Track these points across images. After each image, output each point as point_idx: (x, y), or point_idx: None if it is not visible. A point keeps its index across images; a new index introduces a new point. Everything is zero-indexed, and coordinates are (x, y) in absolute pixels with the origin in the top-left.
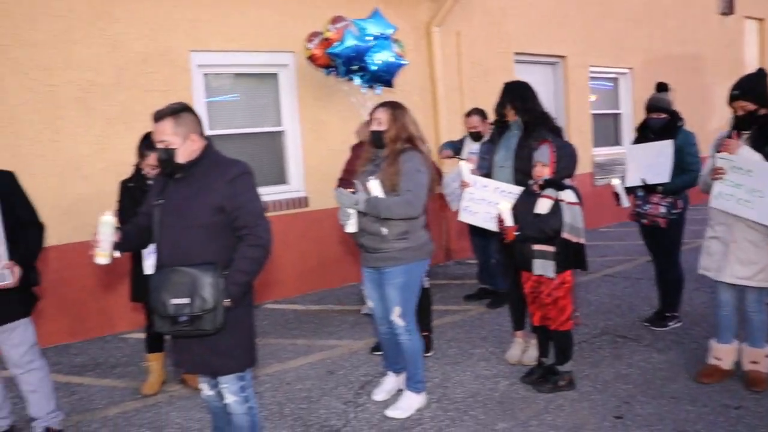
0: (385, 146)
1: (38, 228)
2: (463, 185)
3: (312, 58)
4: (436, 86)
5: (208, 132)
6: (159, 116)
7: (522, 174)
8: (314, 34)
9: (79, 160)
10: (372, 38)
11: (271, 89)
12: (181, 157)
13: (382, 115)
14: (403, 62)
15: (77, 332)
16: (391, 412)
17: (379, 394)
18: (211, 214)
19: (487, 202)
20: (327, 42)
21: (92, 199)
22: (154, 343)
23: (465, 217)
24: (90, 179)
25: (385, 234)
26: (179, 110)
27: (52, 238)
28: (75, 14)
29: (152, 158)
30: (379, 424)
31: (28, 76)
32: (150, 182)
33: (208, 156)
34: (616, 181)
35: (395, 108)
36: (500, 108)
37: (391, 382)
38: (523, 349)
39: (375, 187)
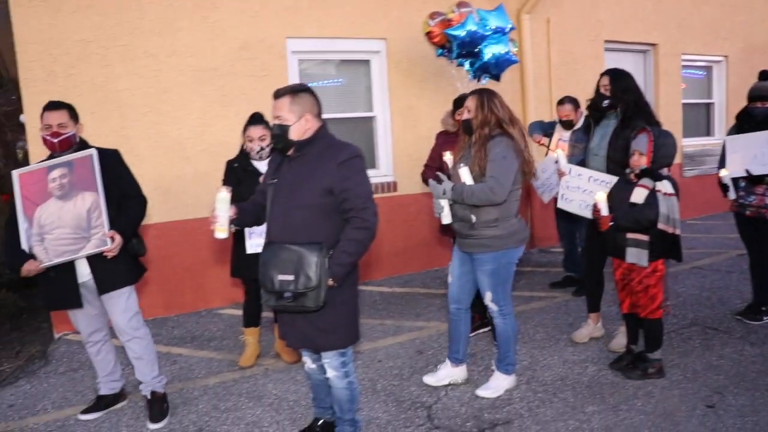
0: (474, 133)
1: (140, 200)
2: (560, 174)
3: (429, 35)
4: (525, 75)
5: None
6: (279, 94)
7: (614, 163)
8: (437, 13)
9: (181, 141)
10: (491, 30)
11: (363, 75)
12: (294, 134)
13: (471, 103)
14: (514, 59)
15: (174, 306)
16: (481, 392)
17: (429, 379)
18: (320, 196)
19: (581, 190)
20: (448, 22)
21: (192, 179)
22: (251, 318)
23: (563, 205)
24: (190, 160)
25: (474, 221)
26: (298, 90)
27: (153, 216)
28: (179, 3)
29: (254, 131)
30: (469, 402)
31: (135, 62)
32: (255, 161)
33: (322, 138)
34: (724, 173)
35: (483, 94)
36: (601, 96)
37: (445, 369)
38: (592, 330)
39: (465, 174)
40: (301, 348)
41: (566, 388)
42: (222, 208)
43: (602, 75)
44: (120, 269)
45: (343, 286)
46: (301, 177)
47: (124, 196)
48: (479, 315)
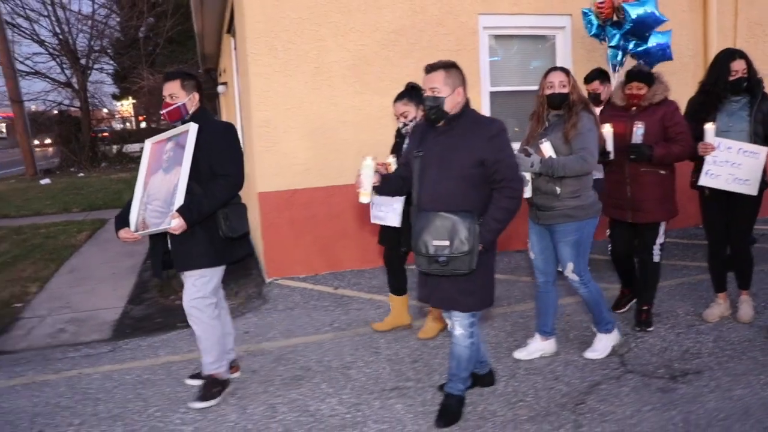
0: (562, 107)
1: (226, 180)
2: (705, 149)
3: (600, 5)
4: (709, 49)
5: (489, 89)
6: (433, 67)
7: (759, 137)
8: None
9: (380, 110)
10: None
11: (548, 51)
12: (448, 106)
13: (565, 78)
14: (669, 55)
15: (368, 261)
16: (589, 354)
17: (520, 353)
18: (471, 167)
19: (731, 164)
20: None
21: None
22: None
23: (707, 181)
24: (389, 128)
25: (558, 192)
26: (450, 65)
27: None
28: None
29: (397, 108)
30: (659, 354)
31: (344, 37)
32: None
33: (468, 113)
34: None
35: (569, 73)
36: (740, 80)
37: (536, 343)
38: (723, 311)
39: (548, 148)
40: (442, 308)
41: (754, 349)
42: (366, 174)
43: (736, 59)
44: (193, 251)
45: (487, 251)
46: (451, 149)
47: (214, 174)
48: (629, 289)
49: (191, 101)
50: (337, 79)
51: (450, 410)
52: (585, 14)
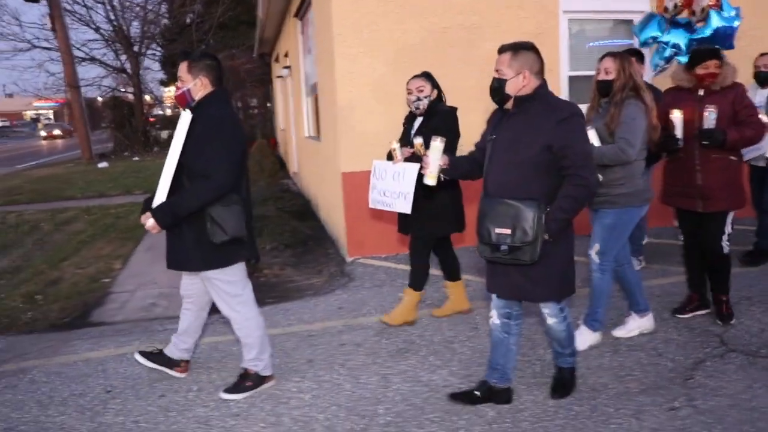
0: (611, 94)
1: (201, 183)
2: None
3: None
4: None
5: (568, 72)
6: (502, 49)
7: None
8: None
9: (463, 92)
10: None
11: (625, 34)
12: (510, 89)
13: (611, 65)
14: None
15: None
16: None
17: (619, 332)
18: (538, 152)
19: None
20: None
21: (479, 124)
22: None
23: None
24: (473, 109)
25: (600, 179)
26: (520, 47)
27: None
28: None
29: (413, 83)
30: (758, 334)
31: (426, 19)
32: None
33: (541, 96)
34: None
35: (623, 59)
36: None
37: (634, 321)
38: None
39: (592, 136)
40: (511, 299)
41: None
42: (434, 156)
43: None
44: (180, 253)
45: (559, 240)
46: (520, 133)
47: (192, 172)
48: (697, 295)
49: (197, 86)
50: (420, 60)
51: (564, 382)
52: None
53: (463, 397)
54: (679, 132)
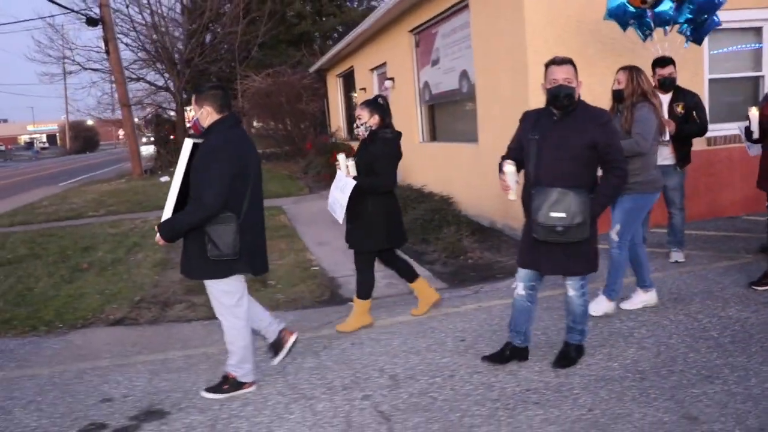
0: (623, 101)
1: (195, 203)
2: None
3: None
4: None
5: (709, 76)
6: (564, 60)
7: None
8: None
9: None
10: None
11: (753, 41)
12: (576, 95)
13: (621, 77)
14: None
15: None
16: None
17: (626, 305)
18: (584, 150)
19: None
20: None
21: None
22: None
23: None
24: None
25: None
26: (572, 61)
27: None
28: None
29: (357, 111)
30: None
31: (600, 32)
32: None
33: (581, 103)
34: None
35: (632, 71)
36: None
37: (638, 296)
38: None
39: None
40: (553, 274)
41: None
42: (511, 179)
43: None
44: (190, 262)
45: (594, 223)
46: (568, 133)
47: (194, 193)
48: None
49: (203, 115)
50: (596, 68)
51: (568, 356)
52: None
53: (495, 358)
54: (754, 126)
